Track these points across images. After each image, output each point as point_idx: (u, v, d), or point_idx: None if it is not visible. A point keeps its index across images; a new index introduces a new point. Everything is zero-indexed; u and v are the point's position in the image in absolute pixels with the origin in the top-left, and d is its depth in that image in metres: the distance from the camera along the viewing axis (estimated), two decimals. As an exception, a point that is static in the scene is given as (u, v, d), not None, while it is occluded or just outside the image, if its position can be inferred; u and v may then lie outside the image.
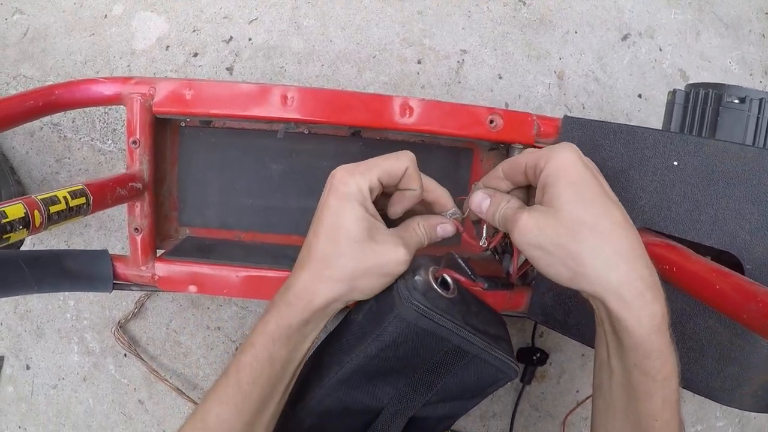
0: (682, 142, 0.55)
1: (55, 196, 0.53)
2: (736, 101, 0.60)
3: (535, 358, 0.91)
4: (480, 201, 0.53)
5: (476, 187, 0.56)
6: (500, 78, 0.88)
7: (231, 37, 0.86)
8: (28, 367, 0.91)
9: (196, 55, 0.86)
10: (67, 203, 0.54)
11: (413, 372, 0.60)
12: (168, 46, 0.87)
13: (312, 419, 0.64)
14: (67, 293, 0.88)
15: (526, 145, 0.65)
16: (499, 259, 0.67)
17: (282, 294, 0.50)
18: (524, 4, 0.89)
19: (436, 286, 0.56)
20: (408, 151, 0.51)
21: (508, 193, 0.53)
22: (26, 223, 0.49)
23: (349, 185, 0.48)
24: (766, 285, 0.42)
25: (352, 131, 0.70)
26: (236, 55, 0.86)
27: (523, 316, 0.71)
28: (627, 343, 0.43)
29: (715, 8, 0.99)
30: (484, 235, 0.59)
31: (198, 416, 0.48)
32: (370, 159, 0.50)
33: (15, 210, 0.48)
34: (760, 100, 0.59)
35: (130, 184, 0.63)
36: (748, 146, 0.54)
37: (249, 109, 0.63)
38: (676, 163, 0.55)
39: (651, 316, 0.43)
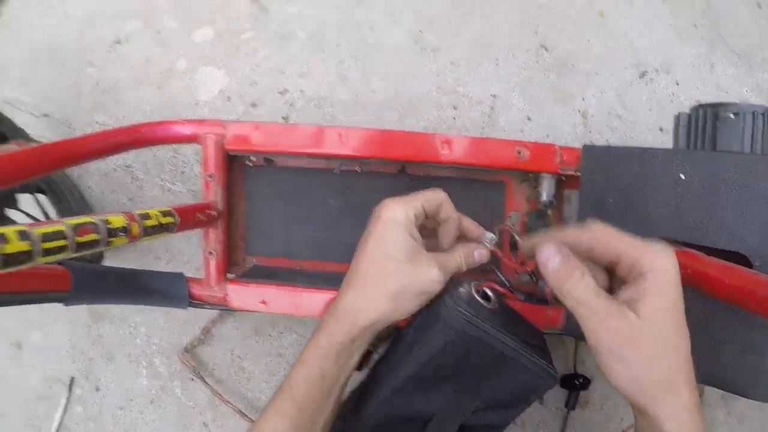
0: (686, 157, 0.64)
1: (148, 213, 0.65)
2: (732, 116, 0.68)
3: (577, 383, 0.98)
4: (550, 257, 0.51)
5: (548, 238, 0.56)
6: (529, 119, 0.99)
7: (285, 89, 1.00)
8: (97, 389, 1.02)
9: (254, 105, 1.00)
10: (158, 220, 0.66)
11: (461, 379, 0.69)
12: (229, 98, 1.00)
13: (367, 430, 0.73)
14: (138, 320, 0.99)
15: (552, 174, 0.75)
16: (536, 281, 0.77)
17: (330, 312, 0.56)
18: (546, 50, 1.01)
19: (478, 298, 0.66)
20: (439, 189, 0.59)
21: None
22: (126, 231, 0.61)
23: (395, 212, 0.55)
24: None
25: (399, 168, 0.82)
26: (290, 105, 0.99)
27: (561, 333, 0.80)
28: None
29: (727, 40, 1.09)
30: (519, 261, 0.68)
31: (257, 427, 0.54)
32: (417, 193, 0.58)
33: (117, 220, 0.60)
34: (753, 112, 0.67)
35: (206, 211, 0.76)
36: (744, 153, 0.64)
37: (308, 147, 0.75)
38: (682, 176, 0.64)
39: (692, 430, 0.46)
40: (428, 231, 0.62)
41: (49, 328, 1.03)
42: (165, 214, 0.68)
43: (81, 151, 0.70)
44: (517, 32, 1.01)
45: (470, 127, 0.98)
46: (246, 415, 0.97)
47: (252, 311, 0.80)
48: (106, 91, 1.03)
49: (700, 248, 0.60)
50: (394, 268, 0.55)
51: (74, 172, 1.00)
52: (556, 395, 1.02)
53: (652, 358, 0.45)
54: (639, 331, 0.45)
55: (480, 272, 0.71)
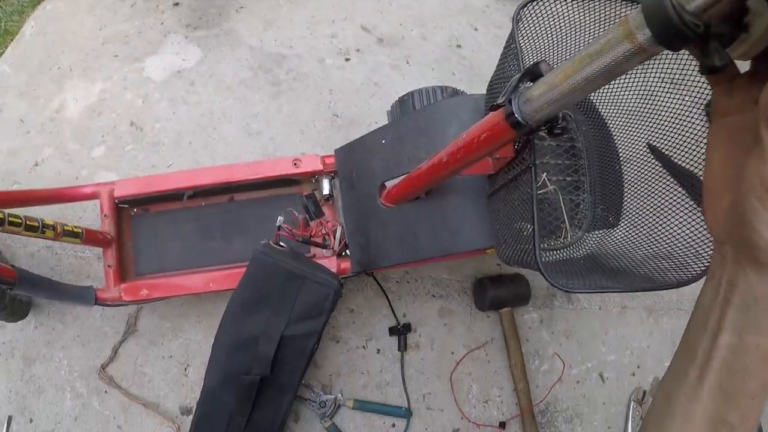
0: (383, 129, 1.11)
1: (67, 224, 1.08)
2: (406, 98, 1.13)
3: (400, 327, 1.38)
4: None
5: None
6: (326, 167, 1.49)
7: (158, 174, 1.46)
8: (31, 420, 1.33)
9: (137, 188, 1.45)
10: (72, 228, 1.09)
11: (271, 298, 1.10)
12: (119, 187, 1.45)
13: (223, 355, 1.13)
14: (62, 355, 1.34)
15: (323, 173, 1.23)
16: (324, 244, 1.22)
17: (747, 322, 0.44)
18: (337, 116, 1.55)
19: (272, 244, 1.10)
20: None
21: None
22: (53, 228, 1.03)
23: None
24: None
25: (228, 198, 1.28)
26: (162, 183, 1.45)
27: (353, 274, 1.22)
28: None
29: (483, 75, 1.65)
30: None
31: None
32: None
33: (49, 222, 1.03)
34: (419, 91, 1.12)
35: (104, 234, 1.18)
36: (409, 113, 1.08)
37: (167, 185, 1.20)
38: (383, 141, 1.10)
39: None
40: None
41: (-11, 381, 1.36)
42: (77, 227, 1.11)
43: (22, 197, 1.13)
44: (315, 110, 1.55)
45: (286, 176, 1.47)
46: (151, 408, 1.30)
47: (139, 300, 1.18)
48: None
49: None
50: None
51: (7, 253, 1.39)
52: (389, 344, 1.41)
53: None
54: None
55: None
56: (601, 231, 0.99)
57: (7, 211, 0.96)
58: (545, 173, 0.95)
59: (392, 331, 1.40)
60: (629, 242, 0.92)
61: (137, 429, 1.32)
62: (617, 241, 0.95)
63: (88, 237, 1.13)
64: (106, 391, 1.33)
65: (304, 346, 1.14)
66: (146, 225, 1.29)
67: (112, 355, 1.34)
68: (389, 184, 1.12)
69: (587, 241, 0.99)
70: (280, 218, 1.15)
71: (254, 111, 1.53)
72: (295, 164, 1.22)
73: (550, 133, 0.65)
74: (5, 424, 1.32)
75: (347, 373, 1.39)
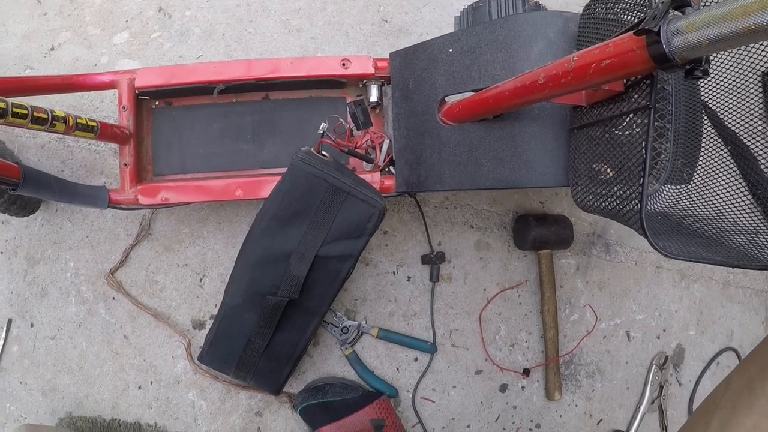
0: (452, 36, 0.95)
1: (80, 116, 0.93)
2: (482, 4, 0.97)
3: (432, 256, 1.26)
4: None
5: None
6: (373, 76, 1.33)
7: (185, 67, 1.31)
8: (32, 325, 1.23)
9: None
10: (86, 122, 0.94)
11: (309, 213, 0.97)
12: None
13: (248, 272, 1.00)
14: (68, 256, 1.23)
15: (372, 78, 1.08)
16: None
17: None
18: (386, 21, 1.37)
19: (314, 152, 0.96)
20: None
21: None
22: (65, 121, 0.89)
23: None
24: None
25: (263, 96, 1.13)
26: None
27: (397, 194, 1.09)
28: None
29: None
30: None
31: None
32: None
33: (60, 113, 0.88)
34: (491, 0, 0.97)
35: (121, 128, 1.04)
36: (486, 21, 0.92)
37: (194, 77, 1.05)
38: (451, 50, 0.95)
39: None
40: None
41: (-11, 278, 1.25)
42: (91, 120, 0.96)
43: (31, 84, 0.99)
44: (363, 12, 1.37)
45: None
46: (161, 319, 1.20)
47: (156, 205, 1.06)
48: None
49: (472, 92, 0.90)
50: None
51: (14, 146, 1.26)
52: (421, 273, 1.29)
53: None
54: None
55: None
56: (677, 186, 0.89)
57: (11, 100, 0.81)
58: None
59: (425, 259, 1.28)
60: (708, 206, 0.82)
61: (145, 340, 1.22)
62: (696, 202, 0.85)
63: (103, 131, 0.98)
64: (113, 298, 1.22)
65: (338, 270, 1.01)
66: (168, 120, 1.14)
67: (122, 259, 1.22)
68: (451, 99, 0.97)
69: (662, 195, 0.89)
70: (324, 124, 1.00)
71: (296, 6, 1.36)
72: (343, 65, 1.06)
73: (688, 75, 0.53)
74: (4, 328, 1.22)
75: (374, 299, 1.27)
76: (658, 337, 1.41)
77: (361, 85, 1.12)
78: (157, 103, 1.14)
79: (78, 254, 1.23)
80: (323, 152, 0.99)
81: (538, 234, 1.25)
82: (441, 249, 1.31)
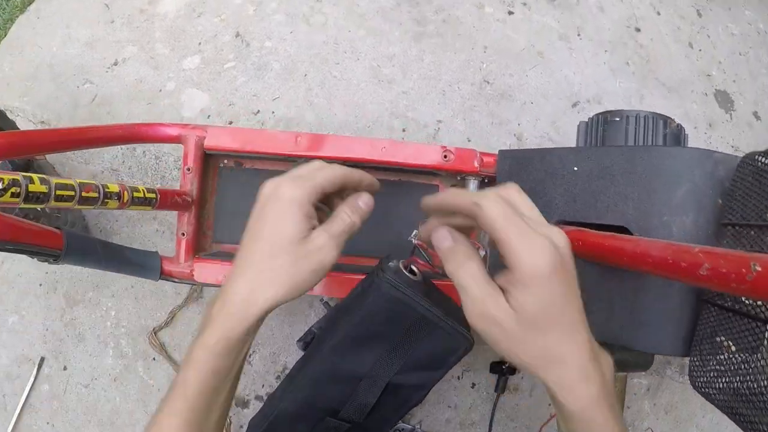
0: (579, 152, 0.79)
1: (137, 187, 0.81)
2: (617, 119, 0.84)
3: (504, 368, 1.12)
4: (441, 239, 0.56)
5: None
6: (469, 141, 1.18)
7: (258, 110, 1.17)
8: (65, 368, 1.13)
9: (231, 123, 1.17)
10: (144, 194, 0.81)
11: (389, 340, 0.84)
12: (209, 116, 1.17)
13: (309, 386, 0.87)
14: (110, 304, 1.12)
15: (473, 174, 0.93)
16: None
17: (220, 307, 0.53)
18: (488, 83, 1.21)
19: (405, 271, 0.82)
20: (335, 164, 0.60)
21: None
22: (119, 196, 0.76)
23: (295, 192, 0.53)
24: None
25: (347, 170, 0.99)
26: (262, 124, 1.17)
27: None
28: (570, 417, 0.49)
29: (658, 75, 1.29)
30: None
31: (154, 428, 0.53)
32: (303, 167, 0.58)
33: (113, 187, 0.75)
34: (636, 116, 0.82)
35: (183, 196, 0.91)
36: (623, 146, 0.78)
37: (271, 148, 0.92)
38: (576, 168, 0.79)
39: (586, 396, 0.48)
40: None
41: (25, 311, 1.15)
42: (149, 191, 0.83)
43: (85, 137, 0.86)
44: (463, 68, 1.21)
45: (416, 148, 1.17)
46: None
47: (213, 285, 0.94)
48: (101, 105, 1.19)
49: (591, 226, 0.73)
50: (290, 253, 0.53)
51: (65, 168, 1.15)
52: (487, 381, 1.16)
53: (524, 340, 0.47)
54: (509, 317, 0.47)
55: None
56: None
57: (56, 180, 0.68)
58: None
59: (494, 367, 1.15)
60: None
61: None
62: None
63: (162, 202, 0.85)
64: (154, 359, 1.12)
65: (408, 398, 0.88)
66: (236, 183, 1.01)
67: (168, 319, 1.11)
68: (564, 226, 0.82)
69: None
70: (416, 232, 0.86)
71: (390, 52, 1.20)
72: (445, 156, 0.91)
73: None
74: (36, 364, 1.13)
75: (433, 402, 1.14)
76: (711, 466, 1.28)
77: (459, 178, 0.97)
78: (225, 161, 1.01)
79: (120, 304, 1.12)
80: (413, 268, 0.85)
81: (620, 357, 1.10)
82: None
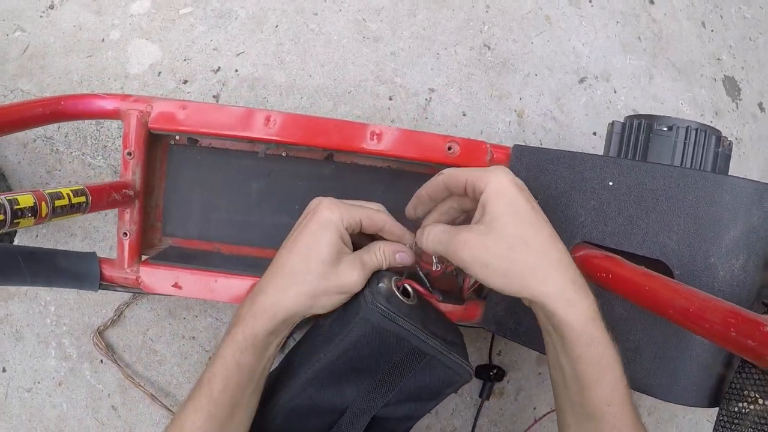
0: (616, 165, 0.65)
1: (60, 192, 0.63)
2: (665, 129, 0.70)
3: (492, 374, 1.01)
4: (426, 236, 0.62)
5: (417, 195, 0.67)
6: (464, 115, 1.00)
7: (219, 68, 0.98)
8: (4, 370, 0.98)
9: (185, 82, 0.97)
10: (69, 200, 0.64)
11: (376, 372, 0.70)
12: (160, 73, 0.98)
13: (281, 418, 0.73)
14: (48, 298, 0.96)
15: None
16: (456, 274, 0.78)
17: (249, 307, 0.59)
18: (489, 48, 1.02)
19: (398, 294, 0.66)
20: (384, 211, 0.65)
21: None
22: (34, 212, 0.59)
23: (333, 214, 0.59)
24: (693, 286, 0.50)
25: (325, 155, 0.81)
26: (223, 85, 0.97)
27: (478, 326, 0.81)
28: (569, 336, 0.52)
29: (669, 54, 1.13)
30: (434, 261, 0.70)
31: (175, 425, 0.56)
32: (352, 201, 0.63)
33: (25, 199, 0.58)
34: (687, 128, 0.70)
35: (123, 190, 0.73)
36: (674, 166, 0.64)
37: (235, 130, 0.74)
38: (611, 183, 0.65)
39: (585, 309, 0.52)
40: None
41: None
42: (77, 193, 0.66)
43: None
44: (462, 29, 1.02)
45: (404, 119, 0.98)
46: (157, 399, 0.95)
47: (164, 295, 0.78)
48: (33, 57, 0.99)
49: (622, 254, 0.62)
50: (321, 269, 0.58)
51: (-11, 143, 0.96)
52: (470, 385, 1.05)
53: (508, 254, 0.53)
54: (488, 236, 0.54)
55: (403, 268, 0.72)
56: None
57: None
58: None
59: (480, 372, 1.03)
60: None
61: (136, 416, 0.98)
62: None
63: (97, 202, 0.68)
64: (101, 361, 0.97)
65: (395, 429, 0.76)
66: (190, 165, 0.83)
67: (114, 317, 0.95)
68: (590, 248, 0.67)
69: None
70: (410, 243, 0.70)
71: (378, 4, 1.00)
72: (449, 148, 0.74)
73: None
74: (-29, 366, 0.98)
75: None
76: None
77: (461, 170, 0.80)
78: (177, 138, 0.83)
79: (61, 298, 0.96)
80: (407, 287, 0.69)
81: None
82: (501, 359, 1.06)
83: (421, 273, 0.70)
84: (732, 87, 1.19)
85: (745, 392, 0.58)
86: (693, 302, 0.48)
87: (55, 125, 0.97)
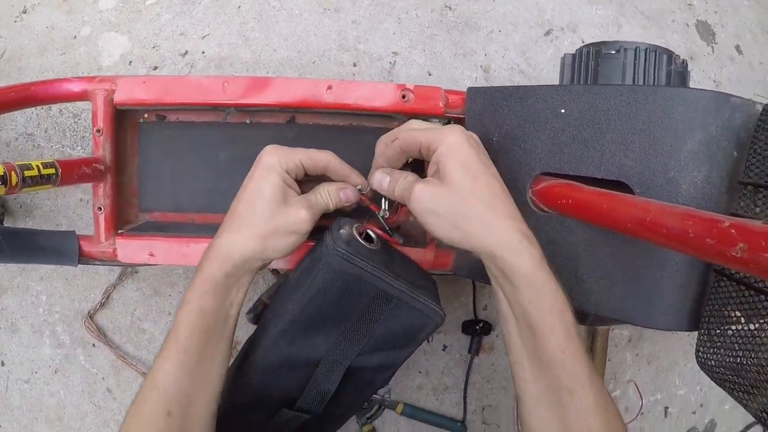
0: (567, 91, 0.65)
1: (30, 164, 0.66)
2: (614, 52, 0.71)
3: (478, 328, 1.03)
4: (380, 179, 0.66)
5: (375, 164, 0.69)
6: (430, 75, 1.03)
7: (186, 51, 1.01)
8: (3, 364, 1.01)
9: (155, 68, 1.01)
10: (39, 171, 0.67)
11: (345, 321, 0.71)
12: (131, 62, 1.01)
13: (258, 376, 0.75)
14: (39, 288, 0.99)
15: (439, 117, 0.78)
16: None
17: (206, 253, 0.62)
18: (450, 8, 1.05)
19: (359, 238, 0.68)
20: (330, 151, 0.67)
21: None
22: (4, 180, 0.62)
23: (272, 158, 0.62)
24: None
25: (288, 118, 0.84)
26: (191, 67, 1.01)
27: (451, 273, 0.83)
28: (518, 283, 0.54)
29: (637, 3, 1.14)
30: (384, 206, 0.72)
31: (150, 376, 0.58)
32: (298, 147, 0.65)
33: (-8, 168, 0.61)
34: (635, 48, 0.70)
35: (93, 165, 0.76)
36: (622, 85, 0.65)
37: (194, 98, 0.77)
38: (563, 110, 0.65)
39: (531, 256, 0.54)
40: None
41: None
42: (46, 165, 0.69)
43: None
44: (421, -9, 1.05)
45: (370, 83, 1.01)
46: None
47: (140, 264, 0.81)
48: (10, 60, 1.03)
49: (582, 179, 0.63)
50: (266, 210, 0.61)
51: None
52: (459, 342, 1.07)
53: (458, 207, 0.56)
54: (440, 189, 0.57)
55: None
56: None
57: None
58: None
59: (467, 327, 1.05)
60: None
61: (131, 395, 0.98)
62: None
63: (67, 175, 0.71)
64: (93, 345, 1.00)
65: (372, 380, 0.78)
66: (160, 140, 0.86)
67: (102, 300, 0.99)
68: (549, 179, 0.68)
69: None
70: (359, 186, 0.72)
71: (335, -26, 1.04)
72: (403, 96, 0.76)
73: None
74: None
75: (402, 369, 1.01)
76: (694, 412, 1.22)
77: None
78: (146, 115, 0.86)
79: (51, 287, 1.00)
80: (369, 233, 0.71)
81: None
82: (486, 314, 1.08)
83: (380, 218, 0.72)
84: (706, 31, 1.20)
85: (725, 312, 0.57)
86: (649, 211, 0.48)
87: (36, 123, 1.00)
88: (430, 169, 0.60)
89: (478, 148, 0.59)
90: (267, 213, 0.60)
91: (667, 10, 1.16)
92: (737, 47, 1.21)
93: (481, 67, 1.04)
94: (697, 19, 1.19)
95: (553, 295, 0.55)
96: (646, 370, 1.15)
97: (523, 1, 1.07)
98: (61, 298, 1.00)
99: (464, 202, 0.56)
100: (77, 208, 0.99)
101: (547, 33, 1.08)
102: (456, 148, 0.57)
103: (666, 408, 1.18)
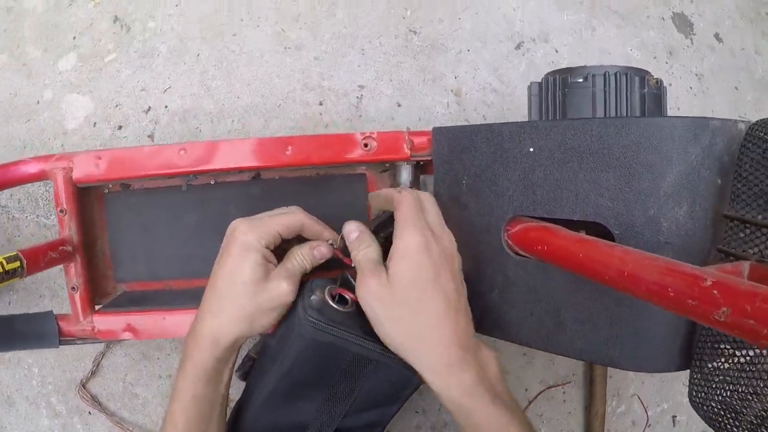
0: (533, 128, 0.61)
1: (-9, 259, 0.65)
2: (581, 80, 0.66)
3: None
4: (350, 231, 0.64)
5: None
6: (399, 106, 1.00)
7: (149, 107, 0.99)
8: (2, 438, 1.01)
9: (120, 127, 0.99)
10: (3, 267, 0.66)
11: (327, 384, 0.70)
12: (95, 123, 1.00)
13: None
14: (30, 361, 0.99)
15: (406, 161, 0.76)
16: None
17: (191, 337, 0.61)
18: (415, 33, 1.02)
19: (332, 303, 0.67)
20: (298, 207, 0.67)
21: None
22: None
23: (248, 237, 0.60)
24: (635, 246, 0.48)
25: (252, 175, 0.82)
26: (156, 123, 0.99)
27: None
28: (448, 408, 0.56)
29: (609, 2, 1.11)
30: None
31: None
32: (266, 214, 0.65)
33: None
34: (604, 74, 0.65)
35: (60, 247, 0.75)
36: (593, 119, 0.60)
37: (152, 169, 0.75)
38: (531, 149, 0.62)
39: (460, 383, 0.55)
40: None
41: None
42: (10, 259, 0.68)
43: None
44: (383, 19, 1.02)
45: (338, 121, 0.99)
46: (149, 442, 0.97)
47: (122, 340, 0.80)
48: (-23, 132, 1.02)
49: (560, 222, 0.59)
50: (249, 290, 0.60)
51: (-54, 218, 0.99)
52: None
53: (398, 316, 0.56)
54: (387, 291, 0.56)
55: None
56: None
57: None
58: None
59: None
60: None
61: (133, 461, 1.01)
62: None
63: (33, 264, 0.70)
64: (89, 412, 0.99)
65: (362, 438, 0.76)
66: (127, 209, 0.85)
67: (93, 368, 0.98)
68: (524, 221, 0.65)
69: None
70: (330, 241, 0.70)
71: (295, 11, 1.00)
72: (366, 145, 0.74)
73: None
74: (-31, 439, 1.01)
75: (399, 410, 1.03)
76: (704, 418, 1.18)
77: (387, 165, 0.80)
78: (110, 186, 0.84)
79: (42, 360, 0.99)
80: (341, 294, 0.69)
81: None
82: None
83: (349, 277, 0.70)
84: (683, 23, 1.16)
85: (718, 347, 0.54)
86: (626, 263, 0.44)
87: (8, 193, 0.99)
88: (391, 251, 0.59)
89: (437, 254, 0.58)
90: (250, 293, 0.60)
91: (641, 6, 1.12)
92: (716, 35, 1.17)
93: (452, 91, 1.02)
94: (672, 12, 1.15)
95: (487, 419, 0.54)
96: (650, 382, 1.13)
97: (490, 14, 1.04)
98: (53, 369, 0.99)
99: (403, 316, 0.56)
100: (58, 278, 0.98)
101: (518, 46, 1.05)
102: (411, 252, 0.56)
103: (674, 417, 1.15)
